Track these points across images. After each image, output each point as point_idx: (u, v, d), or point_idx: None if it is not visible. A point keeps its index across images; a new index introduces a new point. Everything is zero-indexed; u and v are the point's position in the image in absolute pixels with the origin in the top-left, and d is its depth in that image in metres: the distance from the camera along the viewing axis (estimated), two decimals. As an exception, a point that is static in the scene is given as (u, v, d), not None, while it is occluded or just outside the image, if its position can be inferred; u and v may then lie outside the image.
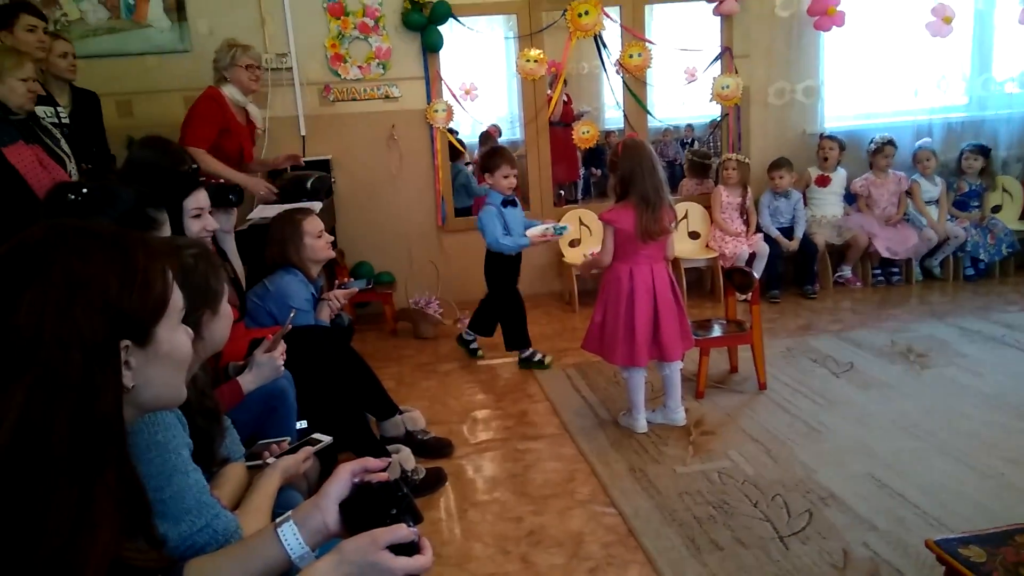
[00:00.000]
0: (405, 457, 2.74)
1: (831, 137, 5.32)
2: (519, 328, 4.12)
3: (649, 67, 5.34)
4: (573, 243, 5.41)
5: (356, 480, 1.17)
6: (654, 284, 3.06)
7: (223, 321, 1.63)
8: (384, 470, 1.21)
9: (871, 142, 5.35)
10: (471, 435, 3.26)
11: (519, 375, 3.98)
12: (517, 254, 4.07)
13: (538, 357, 4.09)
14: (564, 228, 4.03)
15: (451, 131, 5.83)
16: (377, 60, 5.02)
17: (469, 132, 7.16)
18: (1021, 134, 5.62)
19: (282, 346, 2.19)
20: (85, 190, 1.92)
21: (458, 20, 5.02)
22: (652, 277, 3.07)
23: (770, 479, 2.67)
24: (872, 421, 3.10)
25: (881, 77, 5.46)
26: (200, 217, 2.29)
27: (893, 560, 2.14)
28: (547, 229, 3.95)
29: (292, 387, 2.29)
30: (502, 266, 4.06)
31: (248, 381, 2.12)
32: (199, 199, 2.30)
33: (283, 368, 2.19)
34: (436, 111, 5.11)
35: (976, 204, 5.39)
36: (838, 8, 5.13)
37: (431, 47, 5.03)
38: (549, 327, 4.83)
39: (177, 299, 0.99)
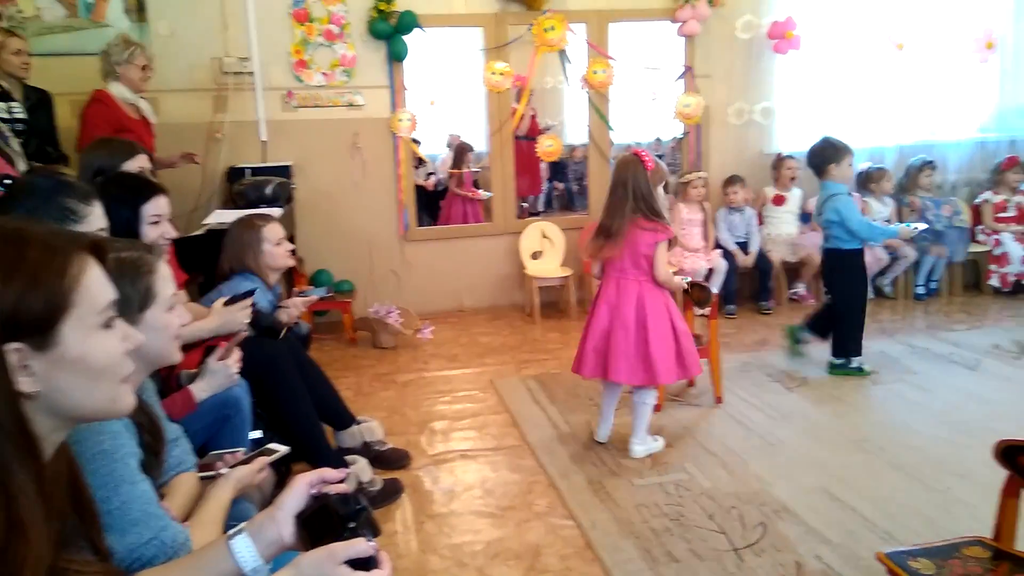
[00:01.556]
0: (362, 468, 2.70)
1: (792, 157, 5.44)
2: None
3: (612, 84, 5.41)
4: (535, 255, 5.43)
5: (313, 492, 1.15)
6: (618, 300, 3.01)
7: (155, 332, 1.50)
8: (342, 482, 1.19)
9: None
10: (429, 446, 3.24)
11: (479, 386, 3.97)
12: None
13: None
14: None
15: (415, 141, 5.82)
16: (342, 67, 4.99)
17: (438, 142, 7.20)
18: (970, 158, 5.82)
19: (237, 354, 2.15)
20: (4, 183, 1.86)
21: (425, 31, 5.03)
22: (617, 293, 3.02)
23: (726, 492, 2.70)
24: (824, 435, 3.16)
25: (838, 99, 5.61)
26: (158, 224, 2.24)
27: (844, 572, 2.18)
28: None
29: (247, 396, 2.25)
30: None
31: (201, 389, 2.07)
32: (159, 205, 2.25)
33: (238, 376, 2.14)
34: (400, 120, 5.09)
35: (931, 218, 5.53)
36: (795, 32, 5.27)
37: (397, 56, 5.02)
38: (511, 338, 4.83)
39: (93, 299, 0.90)
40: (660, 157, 6.81)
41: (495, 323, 5.19)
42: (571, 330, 4.99)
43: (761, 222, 5.49)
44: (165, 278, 1.56)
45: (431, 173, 7.10)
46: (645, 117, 6.43)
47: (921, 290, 5.45)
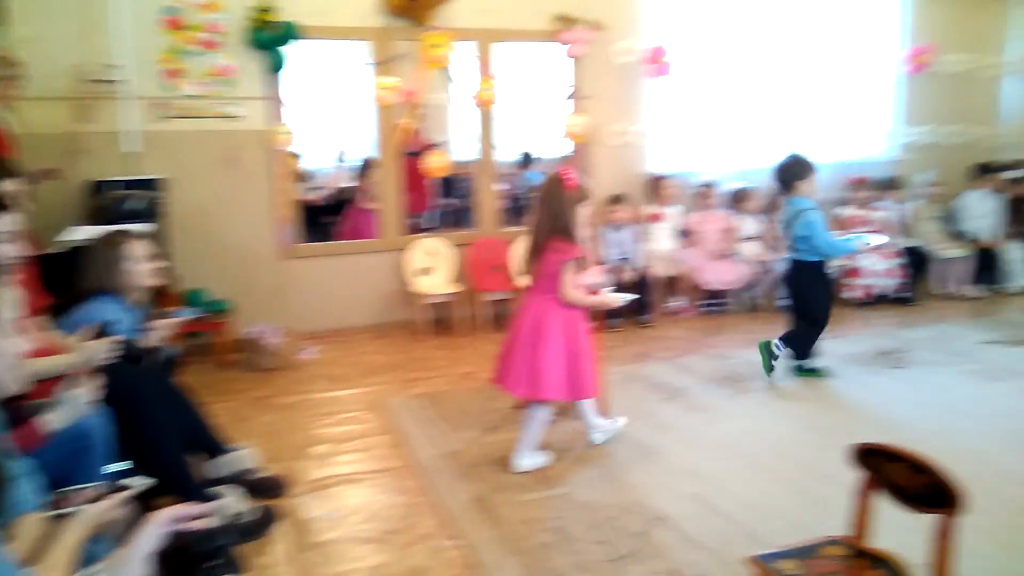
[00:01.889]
0: (233, 500, 2.57)
1: (669, 177, 5.68)
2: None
3: (498, 102, 5.47)
4: (424, 272, 5.39)
5: (172, 528, 1.08)
6: (522, 313, 3.06)
7: None
8: (204, 516, 1.12)
9: (698, 184, 5.78)
10: (309, 472, 3.12)
11: (364, 407, 3.88)
12: None
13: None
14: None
15: (296, 155, 5.68)
16: (219, 77, 4.79)
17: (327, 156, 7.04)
18: (830, 179, 6.25)
19: (95, 381, 2.00)
20: None
21: (307, 42, 4.91)
22: (524, 307, 3.08)
23: (606, 503, 2.75)
24: (700, 443, 3.29)
25: (706, 123, 5.92)
26: (4, 242, 2.06)
27: (718, 576, 2.27)
28: None
29: (104, 426, 2.10)
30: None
31: (52, 420, 1.91)
32: (2, 222, 2.07)
33: (94, 405, 1.99)
34: (280, 133, 4.94)
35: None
36: (667, 59, 5.53)
37: (277, 67, 4.87)
38: (398, 356, 4.76)
39: None
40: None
41: (382, 341, 5.11)
42: (460, 347, 4.99)
43: (641, 238, 5.70)
44: (3, 301, 1.44)
45: (318, 187, 6.93)
46: (535, 136, 6.55)
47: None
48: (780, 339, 4.12)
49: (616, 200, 5.53)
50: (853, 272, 5.84)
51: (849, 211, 6.04)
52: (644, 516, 2.64)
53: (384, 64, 5.13)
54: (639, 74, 5.63)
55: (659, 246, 5.72)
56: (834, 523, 1.95)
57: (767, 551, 1.86)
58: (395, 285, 5.43)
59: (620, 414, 3.62)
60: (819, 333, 4.13)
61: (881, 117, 6.26)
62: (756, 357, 4.51)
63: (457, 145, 7.24)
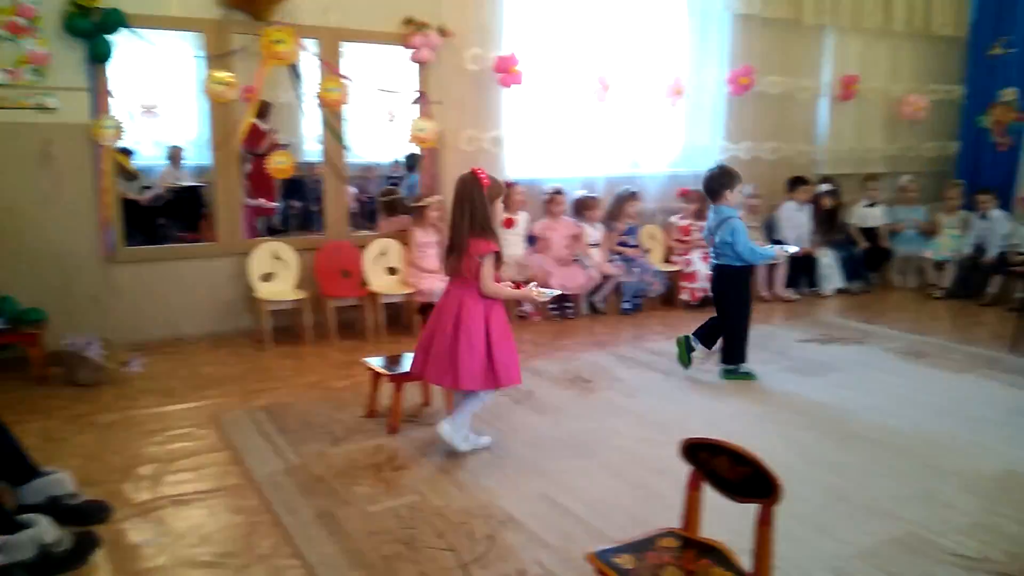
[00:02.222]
0: (44, 529, 2.32)
1: (519, 183, 5.77)
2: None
3: (346, 103, 5.34)
4: (266, 277, 5.15)
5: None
6: (443, 306, 3.17)
7: None
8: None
9: (546, 191, 5.93)
10: (136, 494, 2.88)
11: (198, 422, 3.64)
12: None
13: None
14: None
15: (125, 151, 5.26)
16: (31, 65, 4.34)
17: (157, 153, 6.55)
18: (664, 189, 6.62)
19: None
20: None
21: (135, 32, 4.56)
22: (446, 300, 3.19)
23: (456, 508, 2.74)
24: (546, 443, 3.36)
25: (556, 132, 6.09)
26: None
27: (562, 574, 2.31)
28: None
29: None
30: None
31: None
32: None
33: None
34: (104, 127, 4.55)
35: (634, 243, 6.19)
36: (519, 68, 5.63)
37: (99, 57, 4.49)
38: (237, 368, 4.51)
39: None
40: (398, 180, 6.92)
41: (219, 352, 4.83)
42: (306, 356, 4.81)
43: (492, 244, 5.76)
44: None
45: (147, 187, 6.45)
46: (384, 138, 6.43)
47: (627, 305, 6.07)
48: (723, 359, 4.34)
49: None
50: (687, 276, 6.21)
51: (680, 220, 6.41)
52: (493, 519, 2.66)
53: (219, 58, 4.86)
54: (490, 82, 5.69)
55: (510, 251, 5.81)
56: (671, 515, 2.04)
57: (606, 547, 1.92)
58: (236, 291, 5.16)
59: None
60: (745, 335, 4.33)
61: (709, 133, 6.70)
62: (599, 359, 4.69)
63: (307, 146, 7.00)
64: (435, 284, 5.27)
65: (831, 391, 4.09)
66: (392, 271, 5.52)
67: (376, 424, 3.58)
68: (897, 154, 7.69)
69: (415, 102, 5.54)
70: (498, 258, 3.11)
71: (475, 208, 3.07)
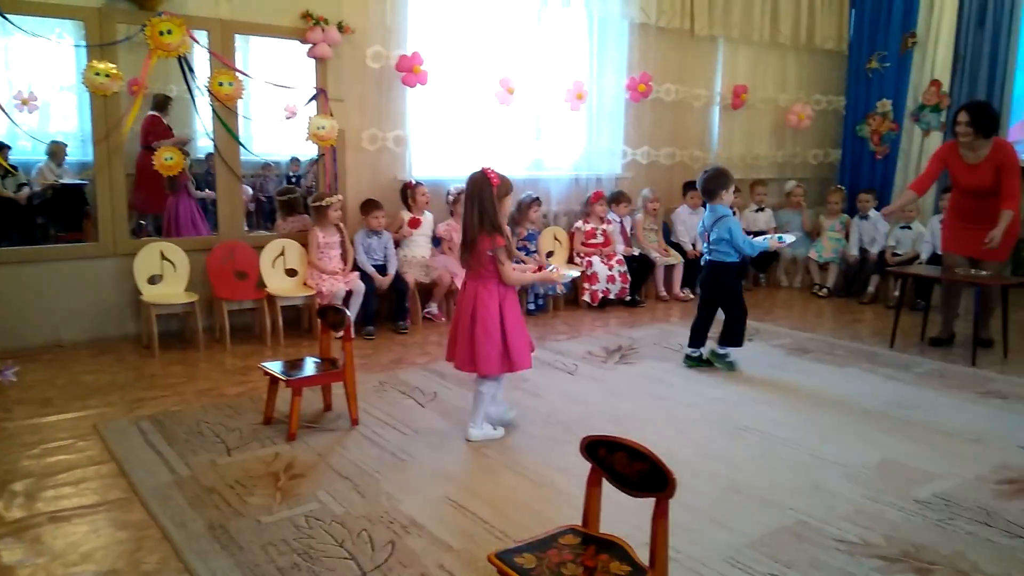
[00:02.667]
0: None
1: (421, 183, 5.72)
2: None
3: (241, 98, 5.15)
4: (154, 279, 4.90)
5: None
6: (462, 299, 3.39)
7: None
8: None
9: (448, 192, 5.90)
10: (8, 511, 2.67)
11: (78, 434, 3.40)
12: None
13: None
14: None
15: (1, 147, 4.90)
16: None
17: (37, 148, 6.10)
18: (567, 192, 6.72)
19: None
20: None
21: (9, 19, 4.24)
22: (463, 293, 3.40)
23: (357, 515, 2.68)
24: (451, 446, 3.33)
25: (460, 133, 6.07)
26: None
27: (465, 577, 2.30)
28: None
29: None
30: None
31: None
32: None
33: None
34: (-31, 119, 4.21)
35: (534, 248, 6.27)
36: (423, 68, 5.58)
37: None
38: (122, 375, 4.27)
39: None
40: (298, 178, 6.73)
41: (103, 359, 4.55)
42: (198, 362, 4.60)
43: (398, 245, 5.68)
44: None
45: (24, 184, 6.00)
46: (282, 135, 6.24)
47: (531, 306, 6.13)
48: (721, 342, 4.59)
49: (373, 206, 5.46)
50: (589, 278, 6.32)
51: (585, 225, 6.52)
52: (395, 524, 2.61)
53: (102, 48, 4.58)
54: (393, 81, 5.61)
55: (416, 252, 5.75)
56: (575, 513, 2.06)
57: (509, 547, 1.92)
58: (121, 294, 4.88)
59: (371, 423, 3.57)
60: (744, 322, 4.57)
61: (609, 137, 6.85)
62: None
63: (201, 142, 6.69)
64: (336, 286, 5.15)
65: (724, 386, 4.26)
66: (291, 273, 5.35)
67: (274, 431, 3.46)
68: (783, 161, 8.10)
69: (313, 99, 5.39)
70: (508, 250, 3.32)
71: (484, 206, 3.25)
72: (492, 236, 3.25)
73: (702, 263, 4.76)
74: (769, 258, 7.43)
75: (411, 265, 5.69)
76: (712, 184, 4.49)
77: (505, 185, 3.32)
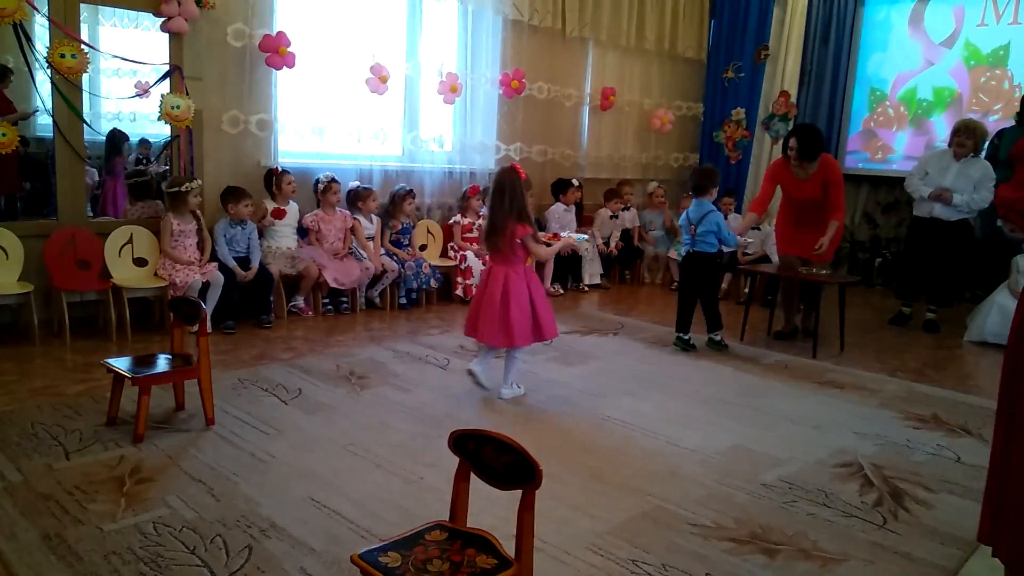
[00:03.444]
0: None
1: (288, 171, 5.49)
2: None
3: (86, 72, 4.74)
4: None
5: None
6: (489, 279, 3.83)
7: None
8: None
9: (317, 180, 5.71)
10: None
11: None
12: None
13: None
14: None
15: None
16: None
17: None
18: (440, 185, 6.68)
19: None
20: None
21: None
22: (490, 274, 3.84)
23: (211, 520, 2.53)
24: (316, 444, 3.22)
25: (330, 121, 5.88)
26: None
27: (328, 579, 2.22)
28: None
29: None
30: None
31: None
32: None
33: None
34: None
35: (407, 242, 6.20)
36: (289, 50, 5.35)
37: None
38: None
39: None
40: (148, 161, 6.27)
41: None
42: (34, 357, 4.20)
43: (261, 235, 5.43)
44: None
45: None
46: (132, 114, 5.79)
47: (404, 300, 6.05)
48: (710, 332, 5.14)
49: (236, 195, 5.18)
50: (462, 272, 6.32)
51: (462, 219, 6.51)
52: (253, 528, 2.48)
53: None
54: (257, 61, 5.35)
55: (281, 243, 5.52)
56: (440, 508, 2.04)
57: (373, 546, 1.87)
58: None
59: (228, 422, 3.40)
60: (718, 306, 5.16)
61: (483, 131, 6.87)
62: (374, 354, 4.63)
63: (41, 119, 6.09)
64: (192, 277, 4.85)
65: (590, 378, 4.38)
66: (140, 262, 4.99)
67: (118, 433, 3.21)
68: (647, 163, 8.44)
69: (167, 77, 5.05)
70: (534, 236, 3.81)
71: (515, 197, 3.72)
72: (522, 224, 3.72)
73: (682, 253, 5.25)
74: (633, 256, 7.73)
75: (276, 256, 5.45)
76: (704, 181, 4.97)
77: (529, 180, 3.91)
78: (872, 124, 8.22)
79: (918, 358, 5.26)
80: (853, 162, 8.29)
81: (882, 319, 6.43)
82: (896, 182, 7.48)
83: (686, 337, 5.11)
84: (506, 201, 3.72)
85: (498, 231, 3.75)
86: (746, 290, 6.29)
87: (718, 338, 5.15)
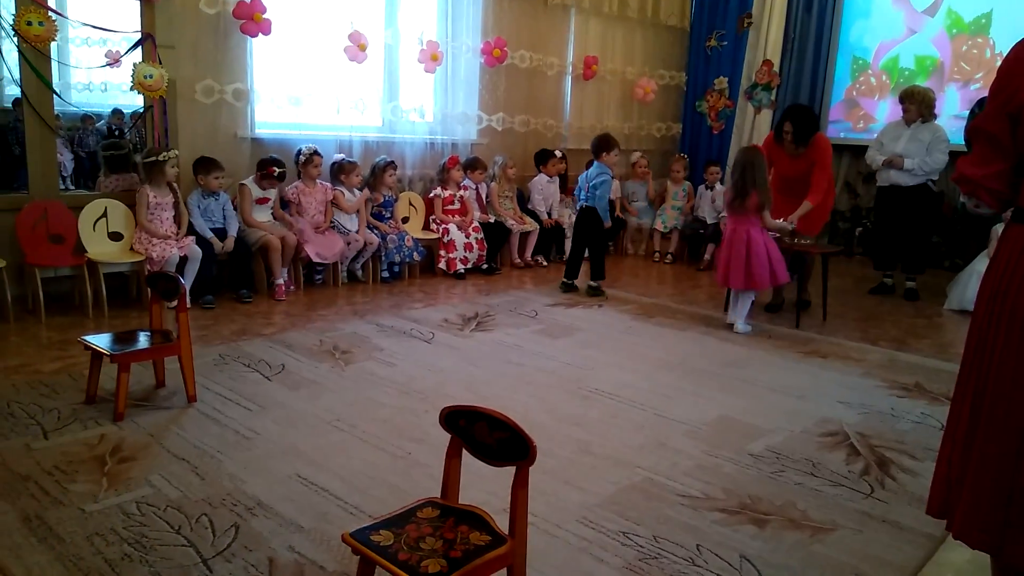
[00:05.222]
0: None
1: (267, 142, 5.37)
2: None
3: (54, 40, 4.58)
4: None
5: None
6: (733, 237, 4.78)
7: None
8: None
9: (299, 152, 5.58)
10: None
11: None
12: None
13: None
14: None
15: None
16: None
17: None
18: (422, 156, 6.58)
19: None
20: None
21: None
22: (734, 232, 4.80)
23: (195, 499, 2.48)
24: (300, 420, 3.18)
25: (308, 91, 5.74)
26: None
27: (317, 558, 2.19)
28: None
29: None
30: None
31: None
32: None
33: None
34: None
35: (390, 215, 6.11)
36: (264, 16, 5.20)
37: None
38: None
39: None
40: (121, 132, 6.11)
41: None
42: (8, 335, 4.11)
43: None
44: None
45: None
46: (103, 84, 5.62)
47: (386, 274, 5.99)
48: (592, 279, 5.79)
49: (211, 166, 5.06)
50: (445, 246, 6.25)
51: (443, 192, 6.42)
52: (239, 507, 2.45)
53: None
54: (232, 29, 5.20)
55: (259, 216, 5.42)
56: (430, 485, 2.01)
57: (364, 524, 1.84)
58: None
59: (211, 399, 3.34)
60: (604, 259, 5.85)
61: (464, 102, 6.76)
62: (358, 328, 4.58)
63: (9, 89, 5.90)
64: (169, 251, 4.75)
65: (576, 351, 4.36)
66: (116, 237, 4.87)
67: (98, 411, 3.15)
68: (630, 132, 8.37)
69: (139, 45, 4.89)
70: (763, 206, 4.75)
71: (756, 172, 4.68)
72: (763, 193, 4.66)
73: (578, 207, 5.88)
74: (616, 227, 7.69)
75: (256, 229, 5.35)
76: (600, 145, 5.71)
77: (766, 159, 4.86)
78: (854, 93, 8.19)
79: (899, 327, 5.30)
80: (835, 131, 8.27)
81: (862, 288, 6.47)
82: (878, 152, 7.48)
83: (570, 282, 5.83)
84: (749, 174, 4.65)
85: (741, 196, 4.68)
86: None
87: (596, 285, 5.79)
